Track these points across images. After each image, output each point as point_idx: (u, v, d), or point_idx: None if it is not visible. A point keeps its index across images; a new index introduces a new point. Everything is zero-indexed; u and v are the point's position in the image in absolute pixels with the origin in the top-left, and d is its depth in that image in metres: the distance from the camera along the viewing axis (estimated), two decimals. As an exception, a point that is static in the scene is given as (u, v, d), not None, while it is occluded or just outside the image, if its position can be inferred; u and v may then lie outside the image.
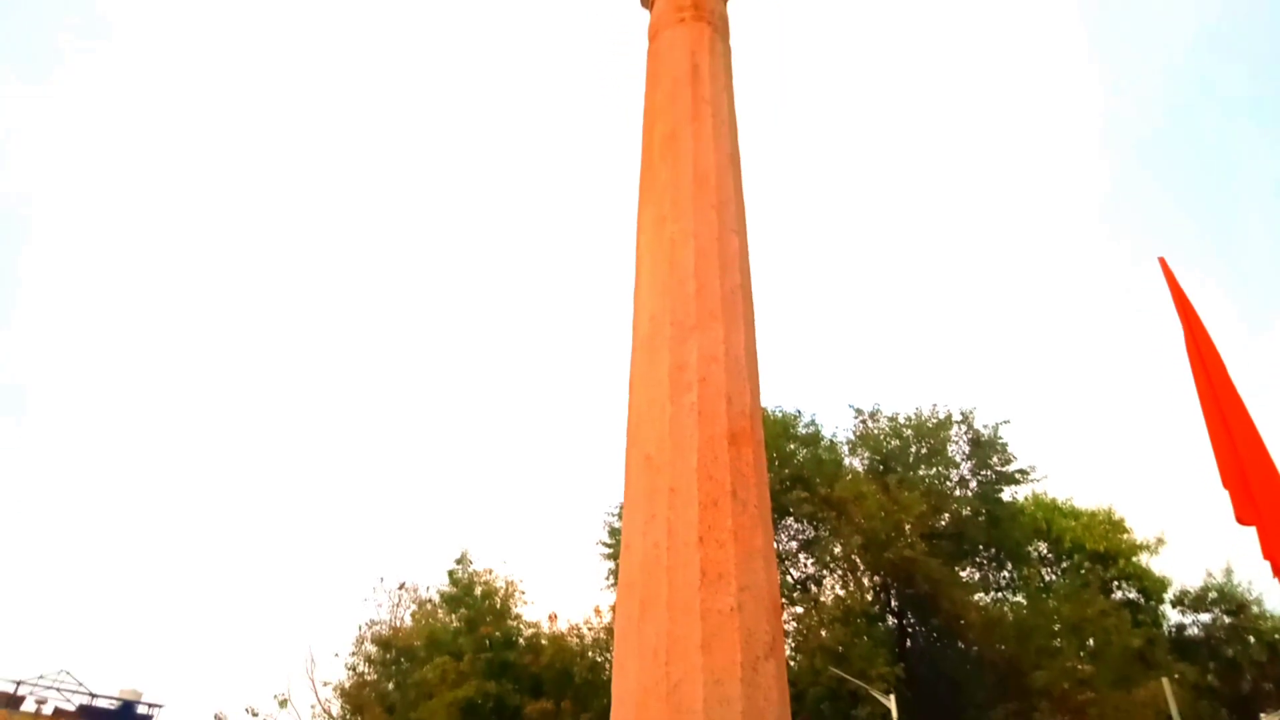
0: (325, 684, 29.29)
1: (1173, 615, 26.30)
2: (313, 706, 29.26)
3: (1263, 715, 18.02)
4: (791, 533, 24.32)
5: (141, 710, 59.86)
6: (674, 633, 3.77)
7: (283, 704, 28.74)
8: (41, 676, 57.45)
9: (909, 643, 23.38)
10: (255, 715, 27.80)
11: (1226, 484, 5.21)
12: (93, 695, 58.53)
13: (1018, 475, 24.43)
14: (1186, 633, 26.14)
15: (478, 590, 26.29)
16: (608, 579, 24.91)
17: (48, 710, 56.15)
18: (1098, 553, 24.94)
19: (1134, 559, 25.09)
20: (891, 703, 17.30)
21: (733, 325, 4.94)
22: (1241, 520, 5.09)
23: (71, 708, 56.98)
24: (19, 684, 57.29)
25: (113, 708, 58.82)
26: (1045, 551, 26.38)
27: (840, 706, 19.20)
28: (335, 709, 29.02)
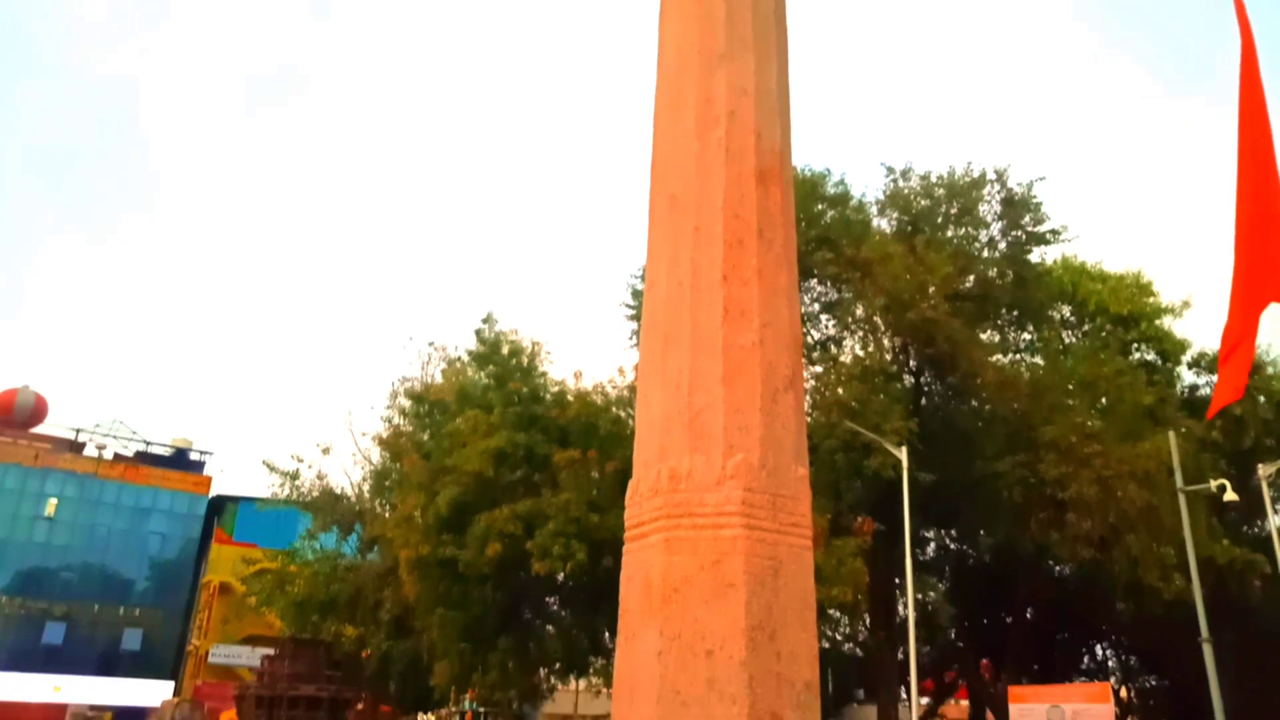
0: (364, 434, 30.96)
1: (1187, 377, 26.78)
2: (353, 455, 31.13)
3: (1260, 466, 18.71)
4: (815, 295, 24.44)
5: (194, 457, 64.23)
6: (696, 366, 3.79)
7: (325, 452, 30.55)
8: (98, 425, 61.21)
9: (924, 400, 24.07)
10: (300, 461, 29.70)
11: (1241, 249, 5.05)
12: (147, 443, 62.64)
13: (1049, 235, 24.01)
14: (1199, 393, 26.70)
15: (504, 348, 27.01)
16: (630, 340, 25.46)
17: (107, 455, 60.38)
18: (1121, 316, 24.97)
19: (1157, 322, 25.15)
20: (903, 454, 18.08)
21: (764, 55, 4.58)
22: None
23: (129, 454, 61.19)
24: (79, 431, 61.27)
25: (167, 454, 63.07)
26: (1068, 315, 26.44)
27: (853, 458, 20.09)
28: (375, 457, 30.87)
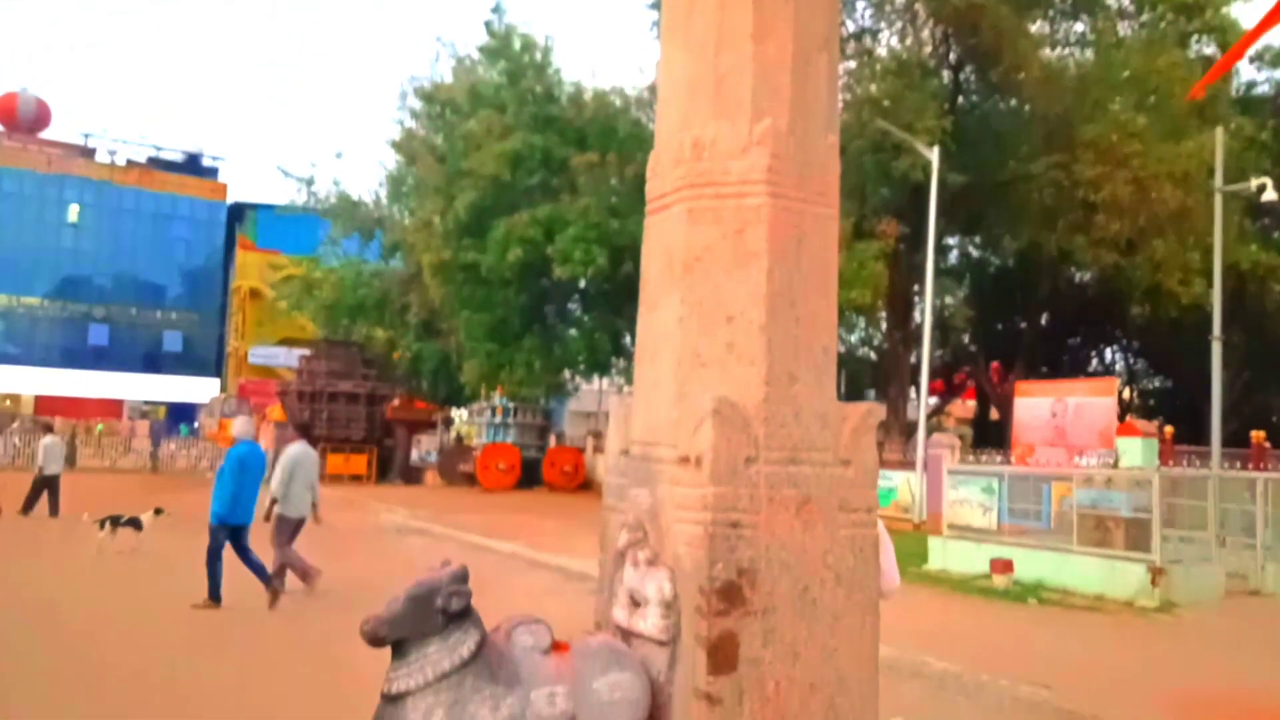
0: (377, 139, 30.06)
1: (1245, 72, 25.00)
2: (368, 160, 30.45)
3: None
4: (849, -17, 22.34)
5: (206, 163, 63.64)
6: (724, 23, 3.32)
7: (339, 157, 29.86)
8: (105, 129, 60.06)
9: (960, 98, 22.78)
10: (314, 166, 29.15)
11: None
12: (158, 148, 61.80)
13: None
14: (1255, 90, 25.11)
15: (516, 43, 25.44)
16: (651, 30, 23.74)
17: (120, 162, 59.85)
18: (1184, 3, 22.79)
19: (1223, 10, 22.99)
20: (934, 155, 17.34)
21: None
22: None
23: (141, 160, 60.60)
24: (88, 137, 60.30)
25: (179, 160, 62.45)
26: (1126, 3, 24.18)
27: (881, 160, 19.38)
28: (390, 162, 30.25)
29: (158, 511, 12.05)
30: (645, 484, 3.04)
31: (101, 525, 11.48)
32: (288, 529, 9.04)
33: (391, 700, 2.43)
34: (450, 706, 2.41)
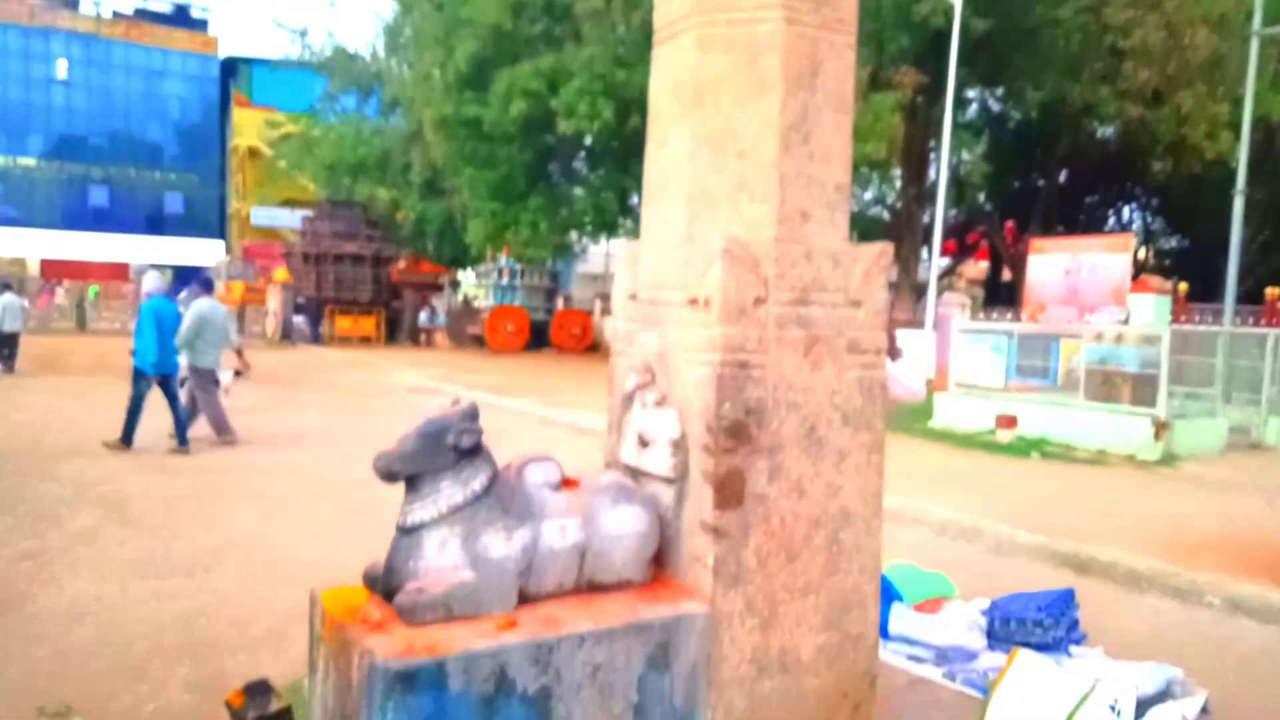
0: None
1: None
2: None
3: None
4: None
5: (195, 15, 61.18)
6: None
7: (332, 4, 28.55)
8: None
9: (987, -63, 21.46)
10: (310, 17, 27.92)
11: None
12: (144, -2, 59.24)
13: None
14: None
15: None
16: None
17: (106, 14, 57.61)
18: None
19: None
20: (956, -1, 16.48)
21: None
22: None
23: (127, 12, 58.25)
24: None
25: (167, 12, 60.03)
26: None
27: (901, 4, 18.43)
28: (386, 12, 28.96)
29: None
30: (653, 327, 3.00)
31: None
32: (206, 381, 9.67)
33: (407, 532, 2.48)
34: (464, 538, 2.45)
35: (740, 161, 2.79)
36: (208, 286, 10.47)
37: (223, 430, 9.71)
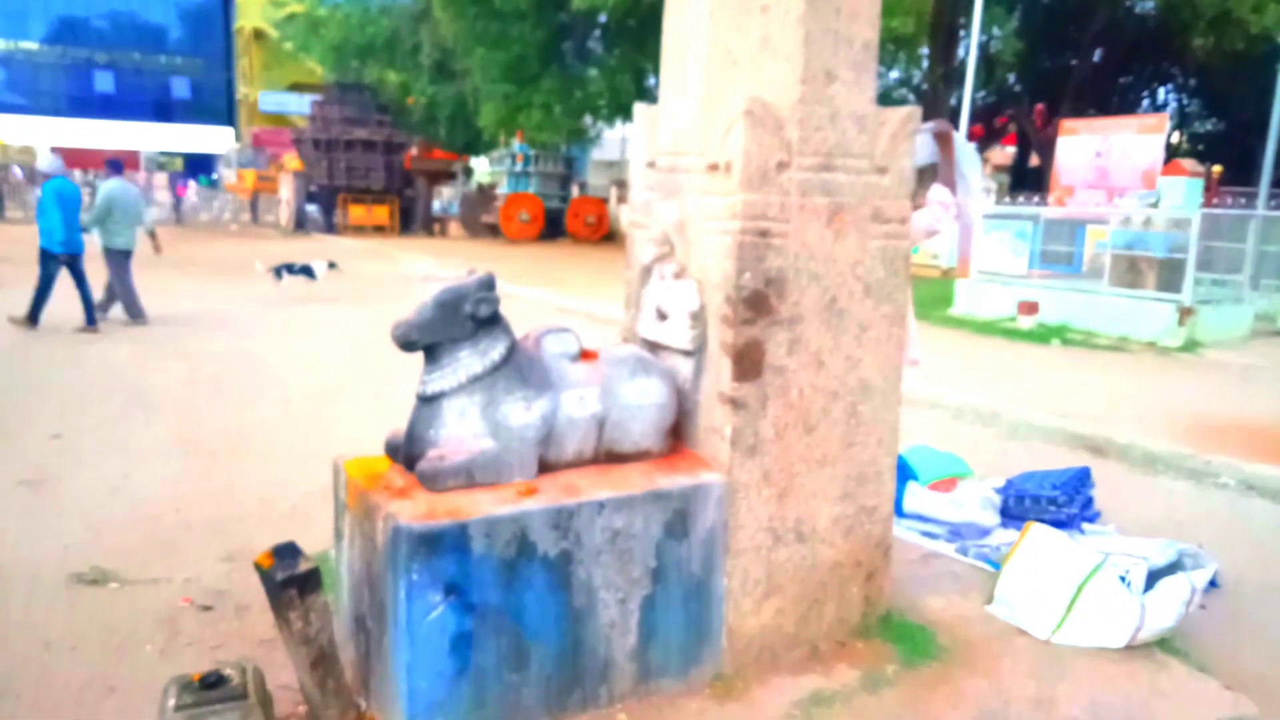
0: None
1: None
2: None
3: None
4: None
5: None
6: None
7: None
8: None
9: None
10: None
11: None
12: None
13: None
14: None
15: None
16: None
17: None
18: None
19: None
20: None
21: None
22: None
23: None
24: None
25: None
26: None
27: None
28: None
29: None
30: (672, 196, 2.92)
31: (278, 274, 12.49)
32: (117, 260, 9.80)
33: (427, 401, 2.48)
34: (484, 407, 2.45)
35: (764, 17, 2.64)
36: (117, 168, 10.53)
37: (134, 311, 9.90)
